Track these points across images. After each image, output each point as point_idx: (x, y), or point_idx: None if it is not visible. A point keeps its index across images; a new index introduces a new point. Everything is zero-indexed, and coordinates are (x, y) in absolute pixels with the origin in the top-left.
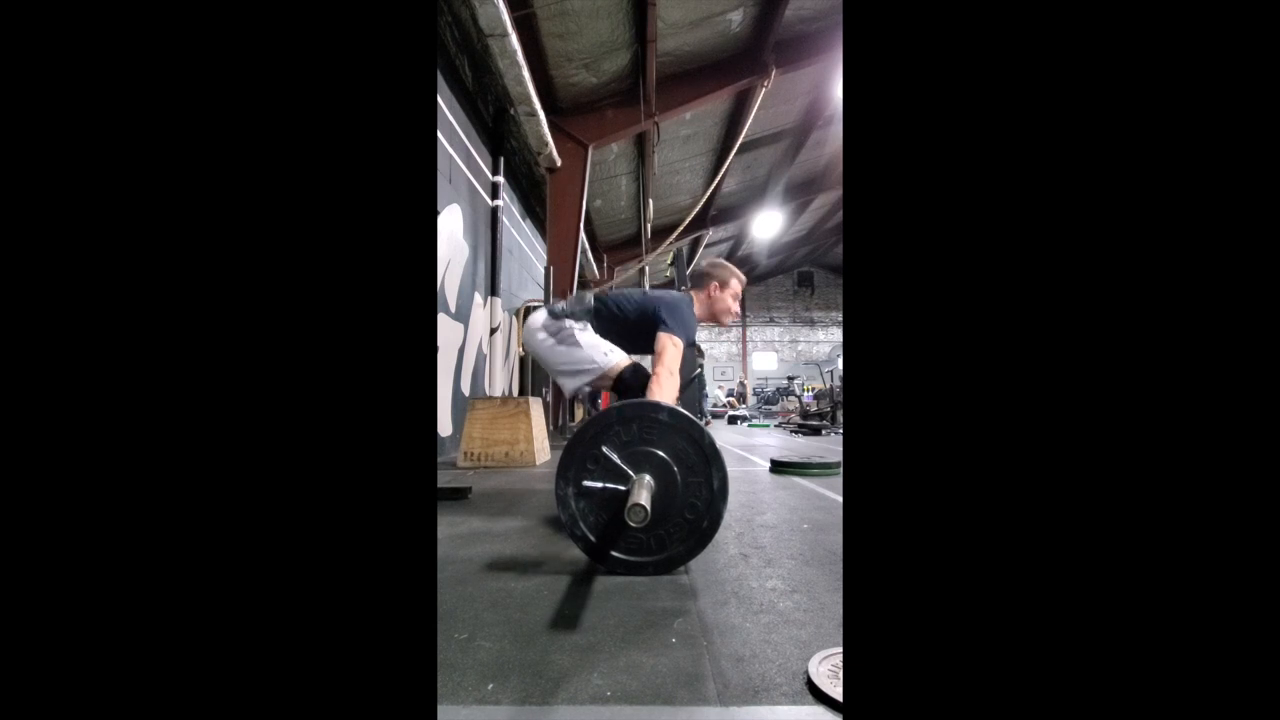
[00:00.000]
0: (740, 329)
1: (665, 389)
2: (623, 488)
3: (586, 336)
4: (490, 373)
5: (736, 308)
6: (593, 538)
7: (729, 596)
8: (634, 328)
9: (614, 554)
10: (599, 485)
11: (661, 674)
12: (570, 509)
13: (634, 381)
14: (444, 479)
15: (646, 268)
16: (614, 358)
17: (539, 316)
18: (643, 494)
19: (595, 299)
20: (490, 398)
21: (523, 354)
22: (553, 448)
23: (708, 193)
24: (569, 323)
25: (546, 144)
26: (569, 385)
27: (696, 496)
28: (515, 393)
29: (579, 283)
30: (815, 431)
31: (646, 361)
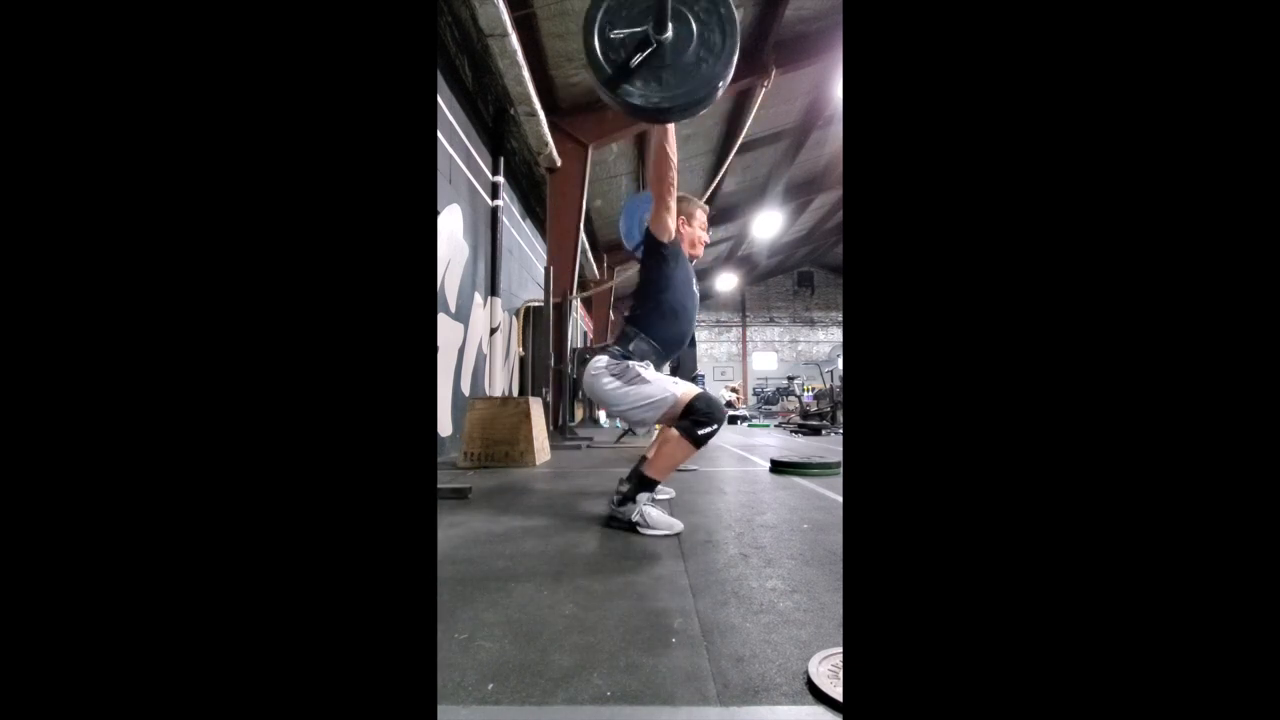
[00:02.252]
0: (740, 329)
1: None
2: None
3: (652, 373)
4: (490, 373)
5: (707, 237)
6: (609, 70)
7: (729, 596)
8: (647, 292)
9: (625, 86)
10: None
11: (661, 674)
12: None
13: (705, 407)
14: (444, 479)
15: None
16: (683, 387)
17: (600, 361)
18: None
19: (627, 324)
20: (490, 398)
21: (522, 354)
22: (553, 448)
23: (708, 192)
24: (633, 364)
25: (546, 144)
26: (643, 417)
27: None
28: (515, 393)
29: (579, 283)
30: (815, 431)
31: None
